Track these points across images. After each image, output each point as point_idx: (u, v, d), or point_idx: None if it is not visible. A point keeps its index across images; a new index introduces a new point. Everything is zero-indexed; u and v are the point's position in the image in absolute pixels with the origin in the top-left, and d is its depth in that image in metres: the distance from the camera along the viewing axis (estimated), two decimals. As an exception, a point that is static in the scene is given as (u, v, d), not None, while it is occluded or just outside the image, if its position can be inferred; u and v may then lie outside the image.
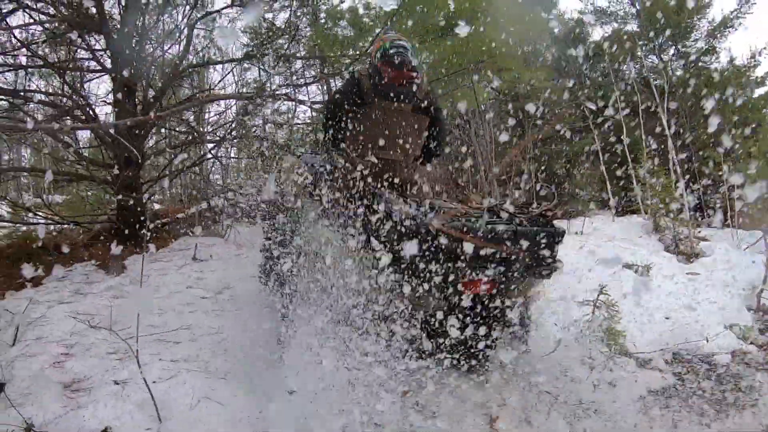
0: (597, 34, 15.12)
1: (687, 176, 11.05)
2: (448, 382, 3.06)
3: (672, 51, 13.80)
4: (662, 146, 10.02)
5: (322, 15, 9.14)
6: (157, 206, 8.66)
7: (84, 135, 7.90)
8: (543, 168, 11.44)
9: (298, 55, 8.19)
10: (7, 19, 5.96)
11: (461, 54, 7.81)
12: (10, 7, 5.77)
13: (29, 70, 6.80)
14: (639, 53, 12.87)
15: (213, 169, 9.18)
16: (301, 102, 8.35)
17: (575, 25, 14.16)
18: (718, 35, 13.33)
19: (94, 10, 6.11)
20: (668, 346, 4.02)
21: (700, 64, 13.48)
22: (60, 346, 3.74)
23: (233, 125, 7.76)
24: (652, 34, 12.99)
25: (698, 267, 5.75)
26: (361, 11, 9.20)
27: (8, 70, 6.46)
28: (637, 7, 13.94)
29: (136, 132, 6.40)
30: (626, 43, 12.15)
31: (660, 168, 7.93)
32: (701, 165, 11.54)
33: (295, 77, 8.66)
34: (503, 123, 10.54)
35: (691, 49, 13.56)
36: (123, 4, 6.45)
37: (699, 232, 7.14)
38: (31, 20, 6.09)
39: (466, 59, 7.76)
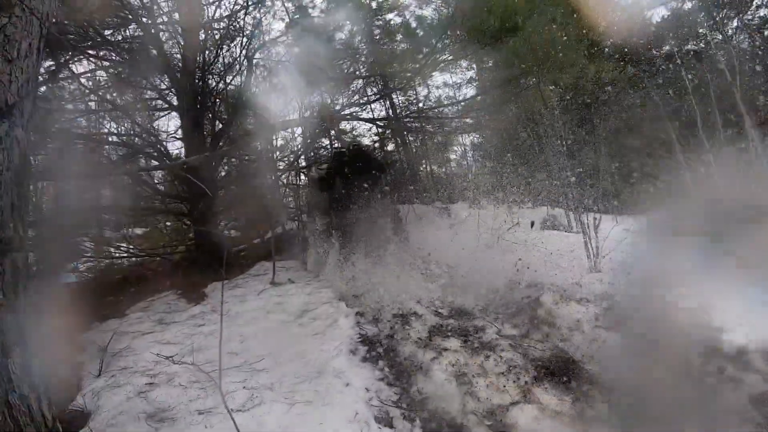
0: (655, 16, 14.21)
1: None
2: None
3: (735, 23, 12.68)
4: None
5: (377, 32, 9.13)
6: (233, 232, 8.76)
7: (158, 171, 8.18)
8: (618, 164, 10.75)
9: (358, 74, 8.16)
10: (72, 67, 6.24)
11: (521, 56, 7.45)
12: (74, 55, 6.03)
13: (100, 113, 7.07)
14: (702, 30, 12.03)
15: (285, 193, 9.22)
16: (367, 120, 8.23)
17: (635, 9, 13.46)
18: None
19: (155, 52, 6.33)
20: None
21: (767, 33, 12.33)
22: (144, 376, 3.67)
23: (301, 149, 7.75)
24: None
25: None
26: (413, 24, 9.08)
27: (81, 116, 6.73)
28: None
29: (212, 163, 6.49)
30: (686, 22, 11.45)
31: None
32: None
33: (357, 96, 8.61)
34: (571, 121, 10.04)
35: (753, 21, 12.48)
36: (182, 43, 6.61)
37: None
38: (95, 66, 6.37)
39: (527, 61, 7.40)
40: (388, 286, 5.37)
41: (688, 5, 13.02)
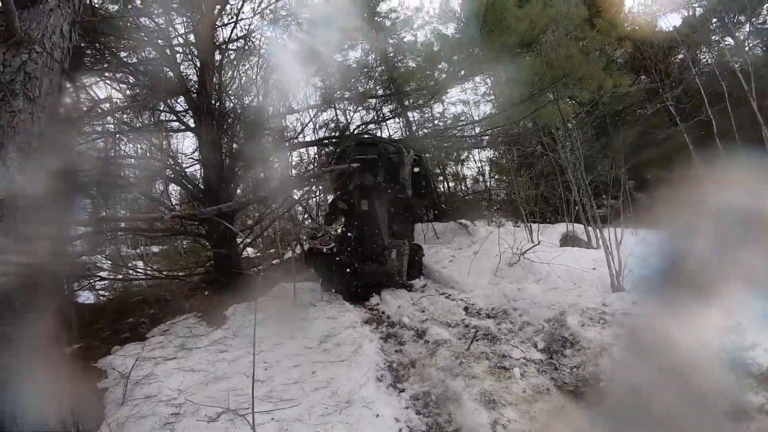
0: (664, 24, 14.07)
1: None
2: None
3: (747, 27, 12.49)
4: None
5: (391, 50, 9.14)
6: (251, 251, 8.73)
7: (175, 190, 8.20)
8: (635, 176, 10.65)
9: (373, 93, 8.15)
10: (90, 91, 6.27)
11: (539, 73, 7.41)
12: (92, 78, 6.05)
13: (118, 135, 7.08)
14: (715, 37, 11.88)
15: (304, 212, 9.19)
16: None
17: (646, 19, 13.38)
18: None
19: (171, 74, 6.35)
20: None
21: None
22: (169, 406, 3.61)
23: (316, 169, 7.73)
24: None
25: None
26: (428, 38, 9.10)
27: (98, 137, 6.74)
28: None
29: (231, 185, 6.49)
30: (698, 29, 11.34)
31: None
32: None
33: (373, 114, 8.61)
34: (587, 134, 9.96)
35: (766, 25, 12.27)
36: (198, 65, 6.63)
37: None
38: (113, 89, 6.40)
39: (545, 77, 7.35)
40: (411, 310, 5.33)
41: (699, 12, 12.95)
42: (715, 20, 12.15)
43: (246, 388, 3.75)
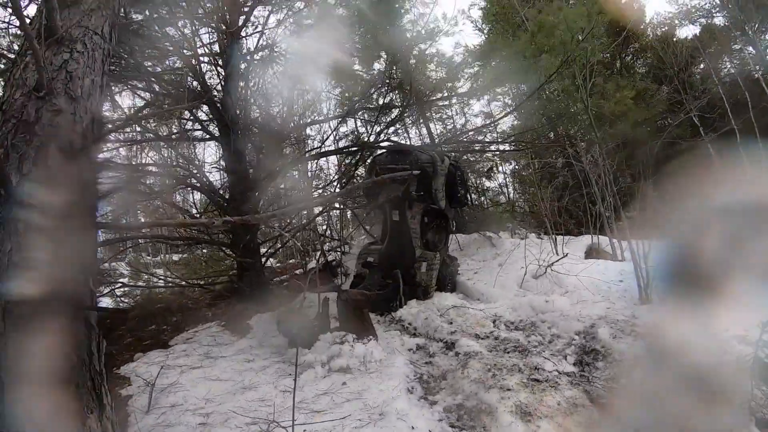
0: (683, 32, 13.90)
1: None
2: None
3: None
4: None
5: (412, 61, 9.13)
6: (273, 261, 8.70)
7: (199, 198, 8.20)
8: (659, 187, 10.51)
9: (395, 103, 8.13)
10: (117, 99, 6.32)
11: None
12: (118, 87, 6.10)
13: (142, 143, 7.11)
14: (736, 46, 11.75)
15: (327, 223, 9.14)
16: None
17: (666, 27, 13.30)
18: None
19: (196, 83, 6.38)
20: None
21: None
22: (196, 415, 3.54)
23: (338, 179, 7.71)
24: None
25: None
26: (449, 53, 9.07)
27: (123, 145, 6.76)
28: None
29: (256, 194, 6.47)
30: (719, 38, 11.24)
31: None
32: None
33: (394, 127, 8.58)
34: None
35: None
36: (222, 75, 6.66)
37: None
38: (139, 97, 6.44)
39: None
40: (438, 321, 5.24)
41: (718, 20, 12.86)
42: (735, 31, 12.09)
43: (274, 398, 3.69)
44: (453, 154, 7.41)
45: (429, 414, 3.51)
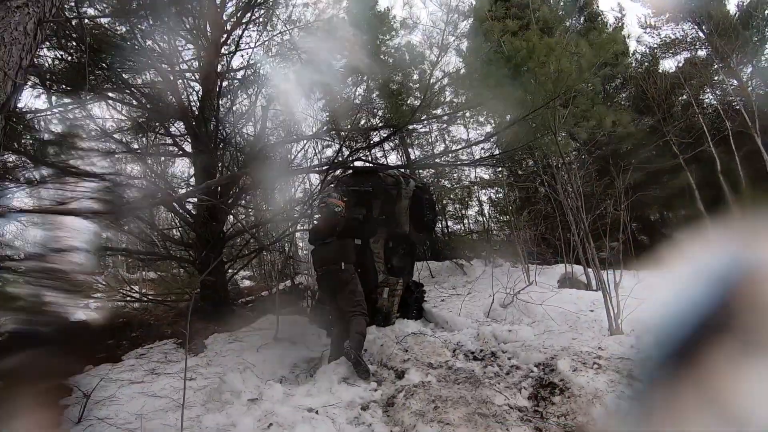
0: (667, 64, 14.26)
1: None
2: None
3: (749, 69, 12.60)
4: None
5: (395, 86, 9.14)
6: (247, 282, 8.62)
7: (166, 215, 8.14)
8: (634, 215, 10.48)
9: (375, 127, 8.14)
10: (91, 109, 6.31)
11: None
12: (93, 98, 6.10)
13: (117, 155, 7.10)
14: (717, 77, 11.98)
15: (299, 244, 9.03)
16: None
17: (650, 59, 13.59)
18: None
19: (172, 98, 6.40)
20: None
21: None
22: (123, 430, 3.48)
23: (313, 199, 7.64)
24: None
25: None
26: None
27: (97, 156, 6.74)
28: (704, 31, 13.12)
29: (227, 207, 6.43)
30: (701, 70, 11.51)
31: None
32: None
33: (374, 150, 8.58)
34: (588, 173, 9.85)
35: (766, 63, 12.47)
36: (199, 91, 6.71)
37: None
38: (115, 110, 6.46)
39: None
40: (394, 349, 5.10)
41: (701, 53, 13.20)
42: (717, 63, 12.42)
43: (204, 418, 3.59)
44: (425, 180, 7.35)
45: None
